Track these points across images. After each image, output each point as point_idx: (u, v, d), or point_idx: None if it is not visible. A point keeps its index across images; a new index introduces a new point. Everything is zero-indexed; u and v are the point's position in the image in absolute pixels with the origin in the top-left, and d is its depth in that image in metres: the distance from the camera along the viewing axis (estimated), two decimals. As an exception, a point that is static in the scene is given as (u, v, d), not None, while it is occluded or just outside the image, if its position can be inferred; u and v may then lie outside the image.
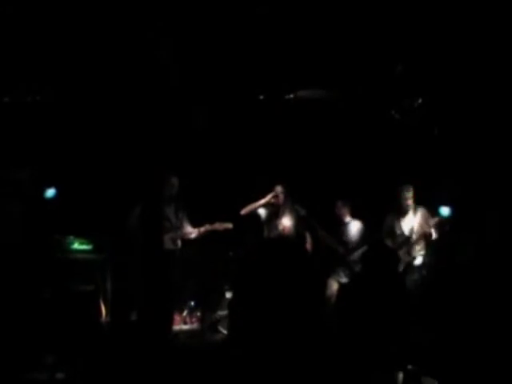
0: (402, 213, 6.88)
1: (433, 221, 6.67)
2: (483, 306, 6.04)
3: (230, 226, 6.74)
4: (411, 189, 6.82)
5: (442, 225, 6.66)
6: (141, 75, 6.11)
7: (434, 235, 6.67)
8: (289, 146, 8.01)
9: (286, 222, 6.93)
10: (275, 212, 7.00)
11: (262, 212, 7.05)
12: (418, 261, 6.78)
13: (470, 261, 6.78)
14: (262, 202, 6.99)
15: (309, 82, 7.40)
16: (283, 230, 6.90)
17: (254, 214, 7.05)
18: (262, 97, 7.76)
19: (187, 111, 7.47)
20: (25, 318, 5.58)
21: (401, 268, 6.72)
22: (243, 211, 6.98)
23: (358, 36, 6.33)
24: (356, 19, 6.09)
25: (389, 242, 6.77)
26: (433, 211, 6.73)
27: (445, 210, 6.61)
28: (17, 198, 6.04)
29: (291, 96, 7.66)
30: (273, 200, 6.98)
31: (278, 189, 7.01)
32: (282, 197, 6.99)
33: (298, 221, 7.00)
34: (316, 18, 6.12)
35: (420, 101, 7.48)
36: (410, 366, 4.21)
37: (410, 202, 6.82)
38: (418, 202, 6.87)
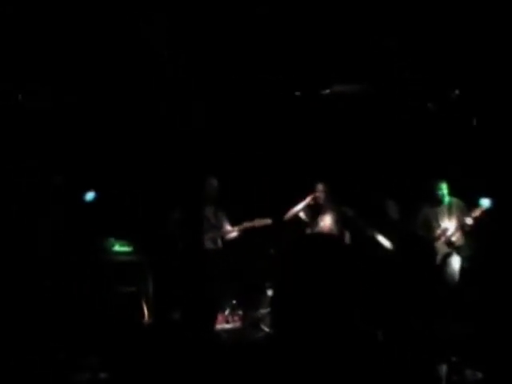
0: (437, 205, 6.84)
1: (469, 212, 6.59)
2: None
3: (269, 221, 6.70)
4: (444, 181, 6.83)
5: (482, 216, 6.52)
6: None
7: (472, 225, 6.55)
8: (327, 142, 7.96)
9: (327, 220, 6.87)
10: (316, 211, 6.96)
11: (303, 214, 7.02)
12: (457, 252, 6.67)
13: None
14: (303, 204, 6.96)
15: (344, 77, 7.36)
16: (323, 228, 6.84)
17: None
18: (298, 93, 7.73)
19: (227, 111, 7.51)
20: (69, 320, 5.67)
21: (439, 260, 6.65)
22: (286, 217, 6.96)
23: (394, 30, 6.30)
24: (392, 13, 6.05)
25: (424, 234, 6.80)
26: (472, 202, 6.62)
27: (485, 201, 6.51)
28: (56, 204, 6.13)
29: (327, 91, 7.61)
30: (312, 202, 6.94)
31: (319, 187, 6.96)
32: (322, 195, 6.94)
33: (339, 220, 6.91)
34: (350, 11, 6.09)
35: (457, 92, 7.38)
36: (453, 358, 4.16)
37: (444, 193, 6.81)
38: (457, 193, 6.81)
